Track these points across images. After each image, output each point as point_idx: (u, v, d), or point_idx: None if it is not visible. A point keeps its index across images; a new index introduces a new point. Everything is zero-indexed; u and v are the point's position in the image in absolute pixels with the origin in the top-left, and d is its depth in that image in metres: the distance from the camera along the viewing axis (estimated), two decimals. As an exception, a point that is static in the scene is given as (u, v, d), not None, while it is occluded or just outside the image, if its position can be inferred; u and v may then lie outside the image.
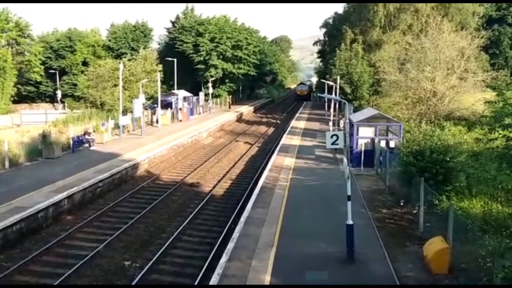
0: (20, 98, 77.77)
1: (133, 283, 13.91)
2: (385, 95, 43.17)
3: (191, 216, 20.43)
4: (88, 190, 22.52)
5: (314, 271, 12.81)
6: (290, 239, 15.24)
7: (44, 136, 29.08)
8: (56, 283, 13.69)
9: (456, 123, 34.14)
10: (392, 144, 23.94)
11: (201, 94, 63.65)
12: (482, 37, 39.35)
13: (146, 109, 46.70)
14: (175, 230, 18.71)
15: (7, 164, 25.74)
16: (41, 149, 28.61)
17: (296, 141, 37.69)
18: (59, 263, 15.61)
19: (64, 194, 20.49)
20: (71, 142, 31.19)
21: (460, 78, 36.79)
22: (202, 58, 74.55)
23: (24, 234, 17.46)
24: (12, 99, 72.17)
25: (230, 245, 14.65)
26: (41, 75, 76.14)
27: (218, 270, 12.84)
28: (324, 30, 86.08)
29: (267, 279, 12.25)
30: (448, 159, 17.10)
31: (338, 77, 49.17)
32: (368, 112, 29.33)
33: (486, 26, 58.43)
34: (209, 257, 15.83)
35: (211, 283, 12.10)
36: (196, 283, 13.93)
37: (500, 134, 20.70)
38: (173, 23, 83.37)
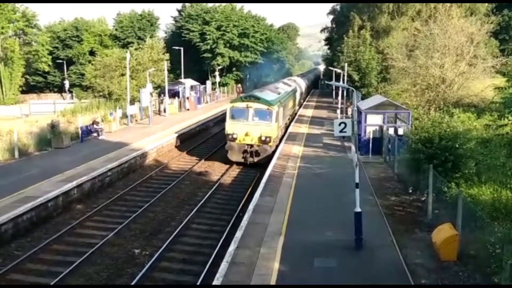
0: (28, 88, 78.22)
1: (143, 270, 14.03)
2: (394, 82, 42.79)
3: (199, 204, 20.54)
4: (98, 179, 22.66)
5: (323, 258, 12.86)
6: (298, 227, 15.28)
7: (53, 126, 29.25)
8: (66, 271, 13.84)
9: (465, 109, 33.87)
10: (400, 131, 23.83)
11: (208, 83, 63.57)
12: (491, 23, 38.78)
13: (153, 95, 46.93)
14: (184, 218, 18.83)
15: (16, 154, 25.95)
16: (50, 138, 28.78)
17: (303, 129, 37.59)
18: (69, 251, 15.77)
19: (74, 183, 20.64)
20: (80, 132, 31.35)
21: (469, 64, 36.36)
22: (208, 47, 74.41)
23: (34, 223, 17.64)
24: (20, 89, 72.65)
25: (239, 233, 14.70)
26: (48, 65, 76.41)
27: (227, 257, 12.90)
28: (331, 17, 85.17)
29: (275, 266, 12.31)
30: (457, 146, 16.98)
31: (346, 64, 48.82)
32: (376, 99, 29.13)
33: (496, 12, 57.58)
34: (218, 245, 15.96)
35: (220, 270, 12.17)
36: (205, 270, 14.04)
37: (510, 120, 20.48)
38: (179, 11, 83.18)
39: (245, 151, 27.56)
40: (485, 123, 25.60)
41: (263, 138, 27.35)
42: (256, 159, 27.53)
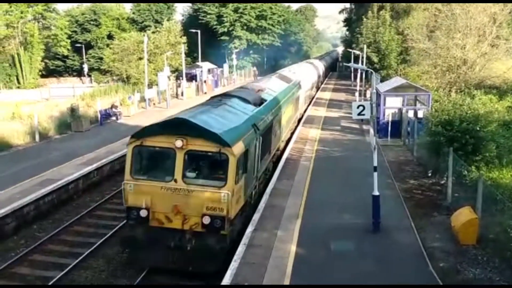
0: (48, 72, 79.20)
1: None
2: (414, 63, 42.18)
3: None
4: (117, 162, 22.87)
5: (340, 240, 12.85)
6: (316, 210, 15.26)
7: (73, 110, 29.63)
8: (87, 252, 14.10)
9: (487, 91, 33.21)
10: (420, 114, 23.51)
11: (226, 66, 63.41)
12: (515, 2, 37.78)
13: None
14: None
15: (37, 137, 26.36)
16: (70, 122, 29.17)
17: (321, 112, 37.33)
18: (90, 233, 16.03)
19: (94, 166, 20.92)
20: (99, 115, 31.69)
21: (491, 45, 35.57)
22: (226, 29, 74.05)
23: (55, 205, 17.96)
24: (40, 73, 73.57)
25: (256, 216, 14.75)
26: (67, 49, 77.16)
27: (245, 240, 12.98)
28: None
29: (292, 249, 12.35)
30: (478, 128, 16.72)
31: (365, 46, 48.14)
32: (395, 81, 28.73)
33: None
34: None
35: (237, 252, 12.24)
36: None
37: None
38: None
39: (169, 247, 12.06)
40: (507, 105, 25.17)
41: (206, 220, 11.90)
42: (192, 264, 12.06)
